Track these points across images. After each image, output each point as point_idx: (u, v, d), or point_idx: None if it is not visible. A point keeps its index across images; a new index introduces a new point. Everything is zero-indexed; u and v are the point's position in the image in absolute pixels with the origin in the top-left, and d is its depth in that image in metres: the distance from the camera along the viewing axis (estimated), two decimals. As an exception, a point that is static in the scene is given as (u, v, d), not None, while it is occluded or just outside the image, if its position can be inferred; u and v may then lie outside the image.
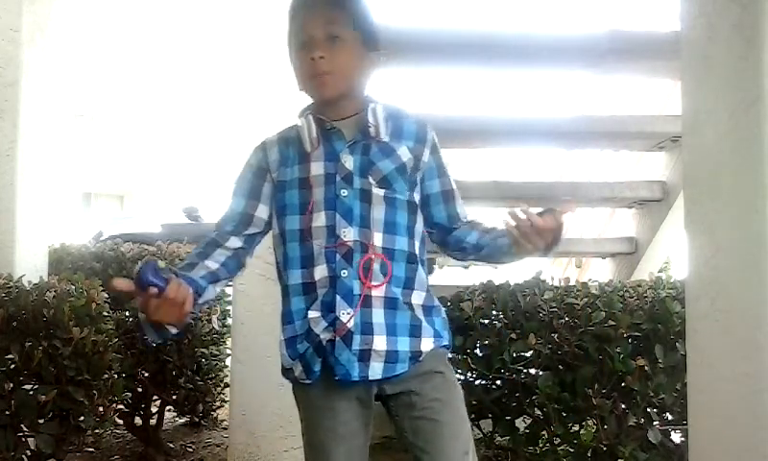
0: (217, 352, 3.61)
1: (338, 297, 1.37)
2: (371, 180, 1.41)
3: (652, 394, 2.18)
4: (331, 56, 1.40)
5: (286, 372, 1.44)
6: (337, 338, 1.36)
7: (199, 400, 3.57)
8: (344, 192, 1.40)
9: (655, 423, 2.22)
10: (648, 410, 2.21)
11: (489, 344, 2.29)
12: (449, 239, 1.54)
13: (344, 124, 1.45)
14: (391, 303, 1.40)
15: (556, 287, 2.42)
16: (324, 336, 1.37)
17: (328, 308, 1.37)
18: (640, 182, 3.82)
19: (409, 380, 1.40)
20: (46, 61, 2.92)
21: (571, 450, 2.28)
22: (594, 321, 2.19)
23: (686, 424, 1.92)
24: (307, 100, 1.49)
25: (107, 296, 2.32)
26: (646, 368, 2.15)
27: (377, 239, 1.39)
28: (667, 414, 2.26)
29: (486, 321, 2.33)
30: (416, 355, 1.40)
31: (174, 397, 3.41)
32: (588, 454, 2.25)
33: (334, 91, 1.42)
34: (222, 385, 3.69)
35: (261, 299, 2.32)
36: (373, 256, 1.38)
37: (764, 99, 1.62)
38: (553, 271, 4.86)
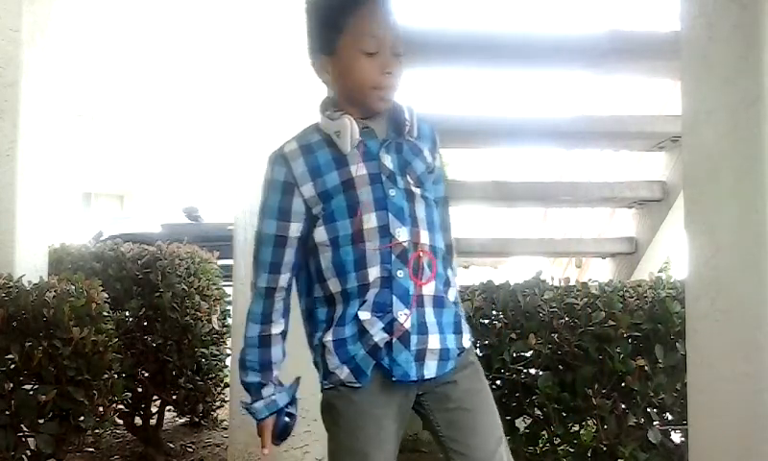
0: (217, 352, 3.62)
1: (394, 297, 1.36)
2: (408, 178, 1.41)
3: (652, 394, 2.18)
4: (396, 72, 1.40)
5: (329, 375, 1.40)
6: (394, 339, 1.35)
7: (199, 400, 3.57)
8: (392, 192, 1.39)
9: (655, 423, 2.22)
10: (648, 410, 2.21)
11: (489, 344, 2.29)
12: None
13: (373, 122, 1.43)
14: (438, 302, 1.41)
15: (556, 287, 2.42)
16: (381, 338, 1.35)
17: (381, 309, 1.36)
18: (640, 182, 3.82)
19: (446, 374, 1.41)
20: (46, 61, 2.92)
21: (571, 450, 2.28)
22: (594, 321, 2.19)
23: (686, 424, 1.92)
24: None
25: (106, 296, 2.33)
26: (646, 368, 2.15)
27: (424, 237, 1.40)
28: (667, 414, 2.26)
29: (486, 321, 2.33)
30: (461, 351, 1.43)
31: (174, 397, 3.42)
32: (588, 454, 2.25)
33: (389, 105, 1.42)
34: (222, 385, 3.70)
35: (261, 299, 2.32)
36: (421, 254, 1.39)
37: (764, 99, 1.62)
38: (553, 271, 4.86)
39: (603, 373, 2.18)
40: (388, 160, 1.40)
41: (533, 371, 2.27)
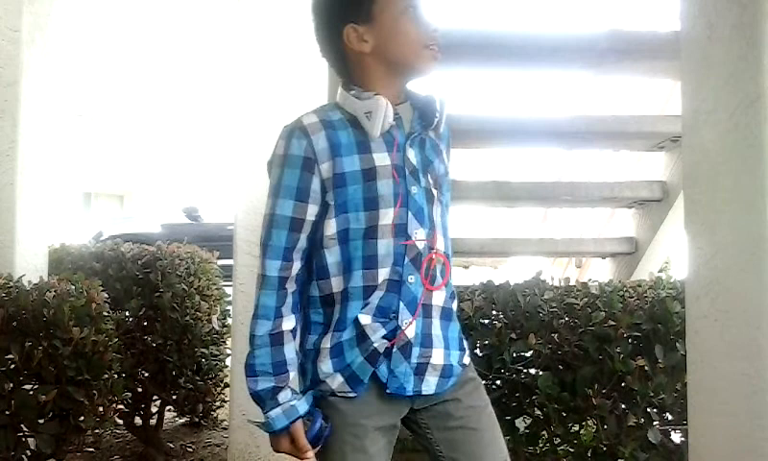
0: (217, 352, 3.62)
1: (401, 304, 1.25)
2: (429, 178, 1.32)
3: (652, 394, 2.18)
4: (435, 33, 1.32)
5: (318, 383, 1.27)
6: (395, 349, 1.25)
7: (199, 400, 3.57)
8: (414, 189, 1.28)
9: (655, 423, 2.22)
10: (648, 410, 2.21)
11: (489, 344, 2.29)
12: None
13: (400, 110, 1.32)
14: (446, 314, 1.33)
15: (556, 287, 2.42)
16: (381, 344, 1.24)
17: (384, 314, 1.25)
18: (640, 182, 3.82)
19: (446, 391, 1.31)
20: (46, 61, 2.92)
21: (571, 450, 2.28)
22: (594, 321, 2.19)
23: (686, 424, 1.92)
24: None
25: (106, 296, 2.33)
26: (646, 368, 2.15)
27: (440, 242, 1.31)
28: (667, 414, 2.26)
29: (486, 321, 2.33)
30: (462, 367, 1.35)
31: (174, 397, 3.41)
32: (588, 454, 2.25)
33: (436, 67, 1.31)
34: (222, 385, 3.69)
35: (261, 299, 2.32)
36: (435, 259, 1.29)
37: (764, 99, 1.61)
38: (553, 271, 4.86)
39: (603, 373, 2.18)
40: (413, 155, 1.30)
41: (533, 371, 2.27)
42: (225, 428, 3.66)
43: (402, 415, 1.32)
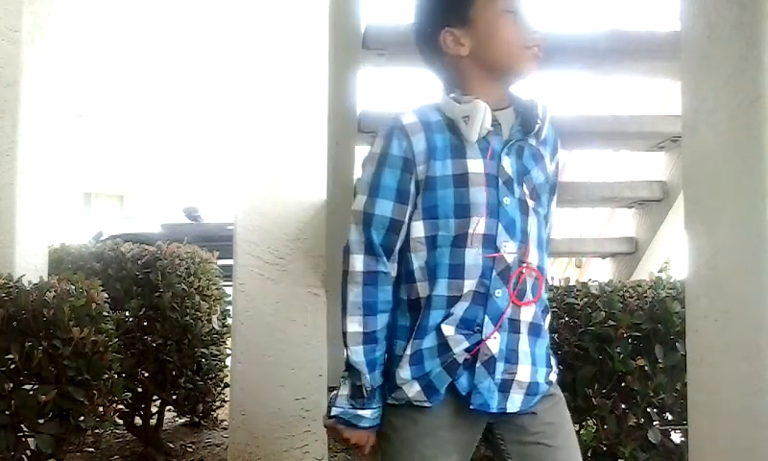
0: (217, 352, 3.61)
1: (487, 318, 1.23)
2: (525, 188, 1.28)
3: (652, 394, 2.18)
4: (537, 37, 1.28)
5: (395, 390, 1.26)
6: (478, 364, 1.22)
7: (199, 400, 3.57)
8: (506, 200, 1.25)
9: (655, 423, 2.22)
10: (648, 410, 2.21)
11: (489, 344, 2.29)
12: None
13: (501, 115, 1.29)
14: (536, 330, 1.29)
15: (556, 287, 2.41)
16: (460, 356, 1.22)
17: (468, 327, 1.23)
18: (640, 182, 3.82)
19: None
20: (46, 61, 2.92)
21: (571, 450, 2.28)
22: (594, 321, 2.18)
23: (686, 424, 1.92)
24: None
25: (106, 296, 2.32)
26: (646, 368, 2.15)
27: (533, 256, 1.27)
28: (667, 414, 2.25)
29: (486, 321, 2.32)
30: (549, 385, 1.32)
31: (174, 397, 3.41)
32: (588, 454, 2.24)
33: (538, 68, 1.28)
34: (222, 385, 3.69)
35: (261, 299, 2.32)
36: (525, 273, 1.25)
37: (764, 99, 1.61)
38: (553, 271, 4.86)
39: (603, 373, 2.18)
40: (508, 164, 1.26)
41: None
42: (225, 428, 3.66)
43: (480, 432, 1.30)
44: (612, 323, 2.17)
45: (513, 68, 1.29)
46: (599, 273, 4.27)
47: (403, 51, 3.19)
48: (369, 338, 1.25)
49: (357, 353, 1.25)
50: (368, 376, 1.25)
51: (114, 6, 16.20)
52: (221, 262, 3.76)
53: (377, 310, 1.25)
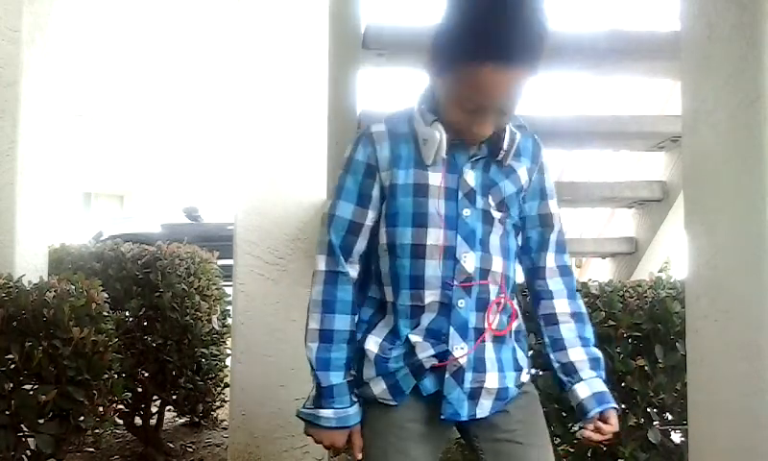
0: (217, 352, 3.61)
1: (452, 329, 1.26)
2: (490, 200, 1.29)
3: (652, 394, 2.18)
4: (497, 124, 1.25)
5: (362, 385, 1.31)
6: (447, 375, 1.26)
7: (199, 400, 3.57)
8: (466, 211, 1.27)
9: (655, 423, 2.22)
10: (648, 410, 2.21)
11: (489, 344, 2.29)
12: (532, 283, 1.44)
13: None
14: (499, 337, 1.32)
15: (556, 287, 2.41)
16: (427, 361, 1.26)
17: (434, 336, 1.26)
18: (640, 182, 3.82)
19: None
20: (46, 61, 2.92)
21: (571, 450, 2.28)
22: (594, 321, 2.18)
23: (686, 425, 1.92)
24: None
25: (106, 296, 2.32)
26: (646, 368, 2.15)
27: (497, 265, 1.30)
28: (667, 414, 2.26)
29: (486, 321, 2.32)
30: (518, 388, 1.34)
31: (174, 397, 3.41)
32: (588, 454, 2.25)
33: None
34: (222, 385, 3.69)
35: (261, 299, 2.32)
36: (490, 284, 1.29)
37: (764, 99, 1.61)
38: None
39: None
40: (471, 177, 1.28)
41: (533, 371, 2.26)
42: (225, 428, 3.66)
43: (452, 426, 1.34)
44: (611, 323, 2.17)
45: (457, 134, 1.27)
46: (599, 273, 4.28)
47: (403, 51, 3.20)
48: (324, 336, 1.28)
49: (311, 350, 1.29)
50: (319, 373, 1.28)
51: (114, 6, 16.20)
52: (221, 262, 3.76)
53: (335, 309, 1.29)
